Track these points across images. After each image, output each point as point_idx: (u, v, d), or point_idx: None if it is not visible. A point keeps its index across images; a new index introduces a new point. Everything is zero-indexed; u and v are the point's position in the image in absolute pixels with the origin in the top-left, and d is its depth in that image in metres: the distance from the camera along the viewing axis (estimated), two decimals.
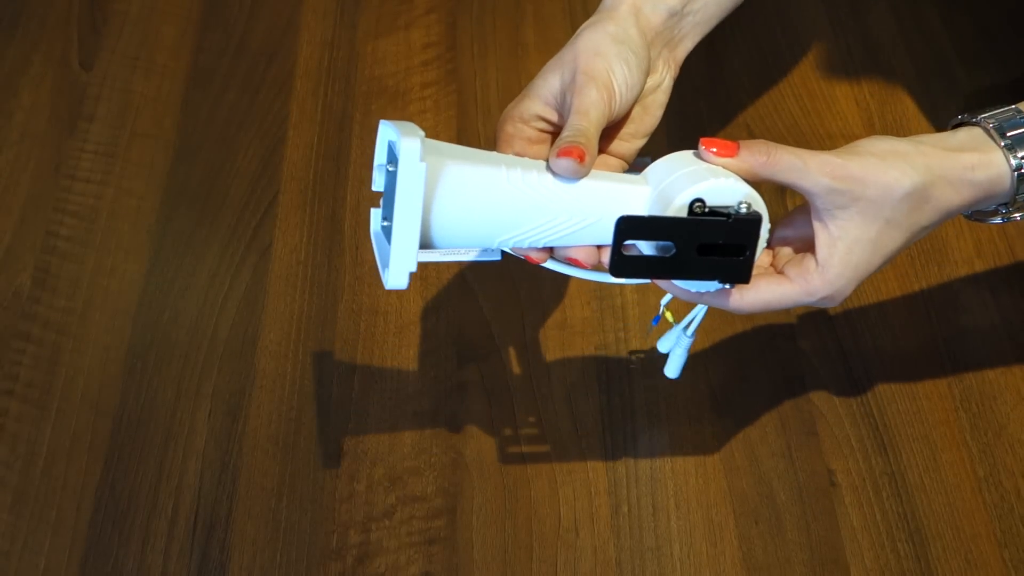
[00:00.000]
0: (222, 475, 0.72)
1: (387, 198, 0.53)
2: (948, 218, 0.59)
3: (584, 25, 0.60)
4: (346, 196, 0.86)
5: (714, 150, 0.55)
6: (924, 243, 0.82)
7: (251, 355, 0.78)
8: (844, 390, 0.76)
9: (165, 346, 0.78)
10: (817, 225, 0.57)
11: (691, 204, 0.52)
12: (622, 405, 0.75)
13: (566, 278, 0.81)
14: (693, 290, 0.57)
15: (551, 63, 0.59)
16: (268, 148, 0.89)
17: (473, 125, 0.90)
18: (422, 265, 0.82)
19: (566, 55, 0.59)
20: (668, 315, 0.64)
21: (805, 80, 0.94)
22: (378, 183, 0.55)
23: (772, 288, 0.57)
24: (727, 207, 0.53)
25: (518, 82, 0.93)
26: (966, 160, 0.57)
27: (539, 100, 0.59)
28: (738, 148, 0.55)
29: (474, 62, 0.95)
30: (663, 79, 0.63)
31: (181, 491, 0.72)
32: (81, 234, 0.84)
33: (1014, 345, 0.78)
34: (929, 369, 0.77)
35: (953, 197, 0.57)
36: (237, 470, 0.72)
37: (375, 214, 0.56)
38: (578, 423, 0.74)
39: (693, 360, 0.77)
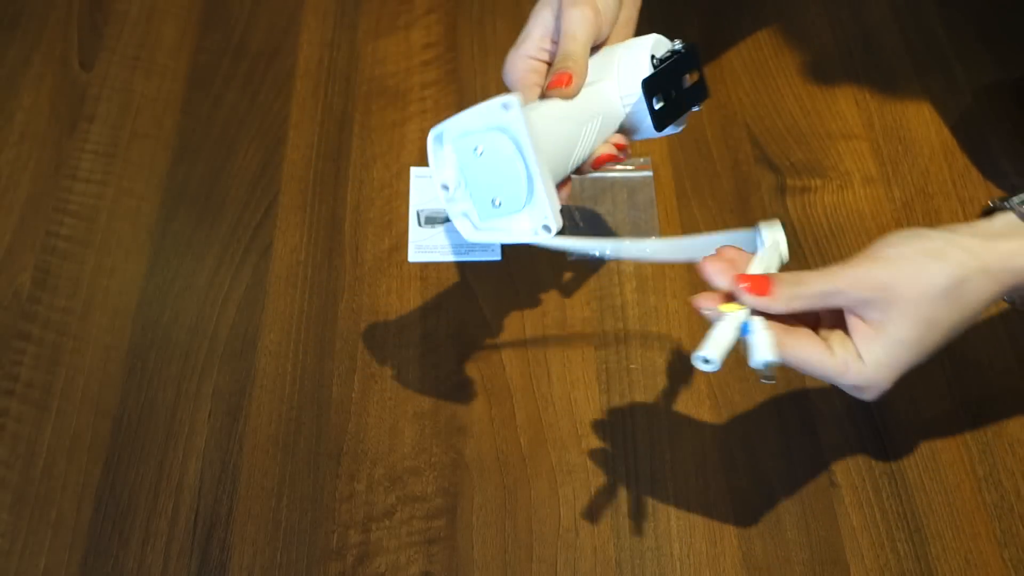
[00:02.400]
0: (222, 475, 0.72)
1: (480, 182, 0.59)
2: (989, 305, 0.57)
3: None
4: (346, 196, 0.86)
5: (746, 285, 0.56)
6: None
7: (251, 355, 0.78)
8: (843, 390, 0.75)
9: (165, 346, 0.78)
10: (853, 319, 0.57)
11: (652, 63, 0.62)
12: (622, 405, 0.75)
13: (565, 279, 0.81)
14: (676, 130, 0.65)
15: (538, 4, 0.65)
16: (268, 148, 0.89)
17: None
18: (422, 265, 0.82)
19: (545, 2, 0.64)
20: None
21: (805, 80, 0.94)
22: (447, 176, 0.59)
23: (815, 352, 0.57)
24: (668, 52, 0.63)
25: None
26: (1004, 247, 0.56)
27: (536, 37, 0.63)
28: (771, 286, 0.56)
29: (474, 62, 0.95)
30: (632, 12, 0.68)
31: (181, 491, 0.72)
32: (81, 234, 0.84)
33: (1014, 345, 0.78)
34: (928, 368, 0.76)
35: (992, 287, 0.56)
36: (237, 470, 0.73)
37: (455, 210, 0.60)
38: (578, 423, 0.75)
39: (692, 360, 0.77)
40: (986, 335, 0.78)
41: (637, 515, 0.71)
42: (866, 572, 0.68)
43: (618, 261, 0.82)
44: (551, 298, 0.80)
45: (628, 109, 0.63)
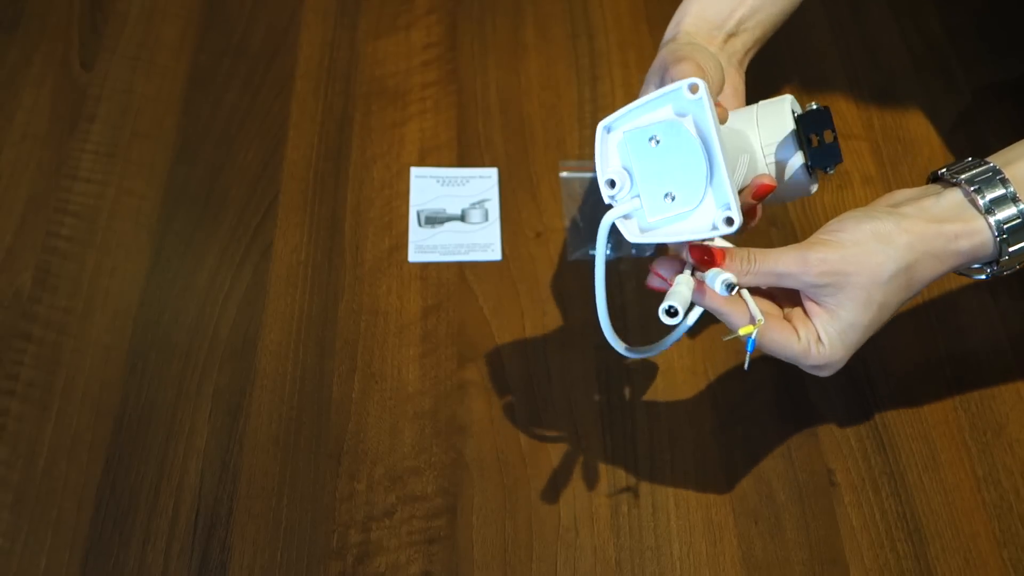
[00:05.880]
0: (223, 475, 0.72)
1: (652, 176, 0.56)
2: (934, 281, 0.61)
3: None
4: (346, 196, 0.86)
5: (697, 256, 0.58)
6: None
7: (251, 355, 0.78)
8: (843, 390, 0.76)
9: (166, 346, 0.78)
10: (810, 304, 0.60)
11: (796, 118, 0.62)
12: (622, 405, 0.75)
13: (565, 279, 0.81)
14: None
15: (644, 88, 0.65)
16: (268, 148, 0.89)
17: (473, 125, 0.90)
18: (422, 265, 0.82)
19: (652, 72, 0.64)
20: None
21: (805, 80, 0.94)
22: (615, 171, 0.57)
23: (784, 337, 0.60)
24: (806, 109, 0.62)
25: (518, 82, 0.93)
26: (949, 231, 0.59)
27: None
28: (724, 257, 0.58)
29: (474, 62, 0.95)
30: (738, 84, 0.69)
31: (182, 491, 0.72)
32: (82, 234, 0.84)
33: (1013, 345, 0.78)
34: (928, 369, 0.77)
35: (938, 267, 0.59)
36: (238, 470, 0.73)
37: (619, 210, 0.57)
38: (578, 423, 0.75)
39: (693, 360, 0.77)
40: (986, 335, 0.78)
41: (637, 515, 0.71)
42: (865, 572, 0.68)
43: (618, 261, 0.82)
44: (551, 298, 0.80)
45: (768, 160, 0.62)
